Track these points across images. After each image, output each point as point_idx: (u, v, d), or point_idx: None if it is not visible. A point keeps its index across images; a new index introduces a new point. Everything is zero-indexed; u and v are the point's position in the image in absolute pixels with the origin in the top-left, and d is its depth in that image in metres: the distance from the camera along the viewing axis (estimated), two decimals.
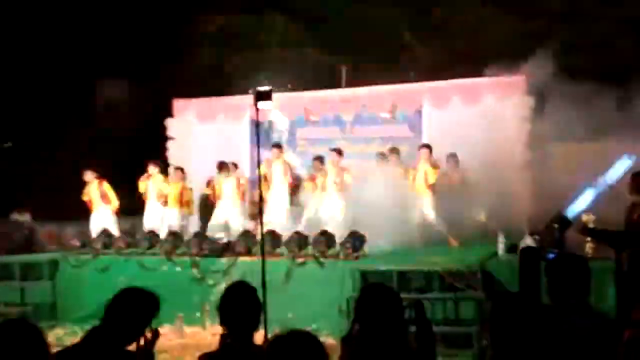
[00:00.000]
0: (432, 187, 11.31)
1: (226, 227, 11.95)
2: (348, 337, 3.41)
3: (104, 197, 12.55)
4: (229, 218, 12.21)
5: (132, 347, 3.46)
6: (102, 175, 12.72)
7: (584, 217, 8.66)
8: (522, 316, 3.14)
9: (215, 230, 11.87)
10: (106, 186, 12.65)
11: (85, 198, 12.64)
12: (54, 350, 3.25)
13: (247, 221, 12.15)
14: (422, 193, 11.33)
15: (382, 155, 11.92)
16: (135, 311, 3.42)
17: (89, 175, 12.60)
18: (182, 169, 12.88)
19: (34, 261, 11.00)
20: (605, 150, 11.01)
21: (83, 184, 12.76)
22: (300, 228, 10.97)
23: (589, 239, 8.46)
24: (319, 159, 12.05)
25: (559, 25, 15.71)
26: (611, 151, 11.09)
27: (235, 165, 12.65)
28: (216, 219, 12.29)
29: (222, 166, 12.31)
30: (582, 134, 10.88)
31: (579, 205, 9.53)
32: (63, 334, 9.36)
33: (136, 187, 12.77)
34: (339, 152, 11.91)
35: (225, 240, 10.65)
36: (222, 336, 3.40)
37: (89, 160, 13.16)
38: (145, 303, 3.50)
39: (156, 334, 3.52)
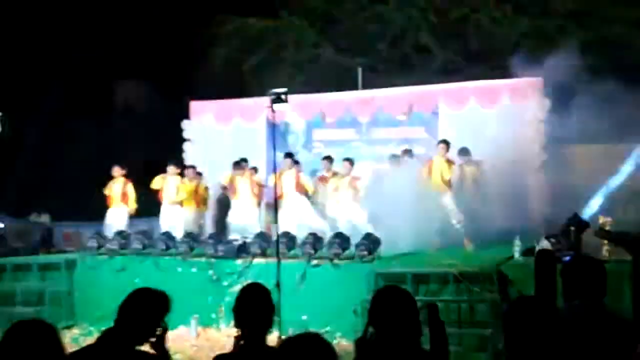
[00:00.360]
0: (449, 183, 11.24)
1: (243, 229, 11.94)
2: (362, 339, 3.41)
3: (124, 196, 12.60)
4: (246, 219, 12.20)
5: (145, 347, 3.48)
6: (128, 175, 12.76)
7: (601, 220, 8.60)
8: (538, 319, 3.12)
9: (234, 231, 11.89)
10: (130, 187, 12.70)
11: (106, 192, 12.67)
12: (70, 350, 3.28)
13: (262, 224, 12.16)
14: (439, 189, 11.22)
15: (394, 157, 11.90)
16: (146, 311, 3.45)
17: (117, 171, 12.65)
18: (194, 167, 12.93)
19: (52, 262, 11.10)
20: (622, 152, 10.96)
21: (101, 182, 12.81)
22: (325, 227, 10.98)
23: (605, 241, 8.40)
24: (328, 158, 12.04)
25: (575, 25, 15.61)
26: (628, 153, 11.05)
27: (255, 170, 12.63)
28: (234, 219, 12.29)
29: (237, 164, 12.29)
30: (599, 135, 10.82)
31: (593, 207, 9.49)
32: (79, 334, 9.45)
33: (153, 189, 12.81)
34: (351, 162, 11.83)
35: (240, 241, 10.67)
36: (237, 337, 3.41)
37: (106, 162, 13.20)
38: (156, 303, 3.52)
39: (165, 330, 3.53)
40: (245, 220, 12.14)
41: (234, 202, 12.37)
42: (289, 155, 12.17)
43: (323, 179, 12.08)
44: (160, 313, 3.50)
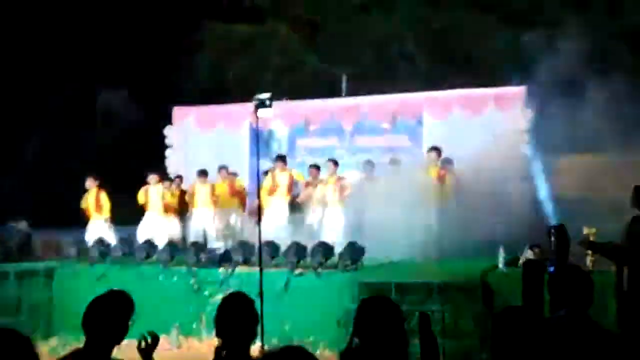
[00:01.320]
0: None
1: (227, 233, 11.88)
2: (347, 350, 3.33)
3: (97, 205, 12.49)
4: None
5: (119, 354, 3.40)
6: (102, 184, 12.65)
7: (585, 230, 8.58)
8: (526, 330, 3.07)
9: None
10: (103, 196, 12.60)
11: (83, 205, 12.57)
12: None
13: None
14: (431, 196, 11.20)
15: (368, 164, 11.91)
16: (110, 315, 3.36)
17: (89, 183, 12.54)
18: (180, 176, 12.87)
19: (30, 269, 10.90)
20: (605, 162, 10.98)
21: (83, 191, 12.70)
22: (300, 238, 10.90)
23: (590, 252, 8.38)
24: (315, 167, 12.04)
25: (559, 35, 15.67)
26: (611, 163, 11.07)
27: (235, 174, 12.57)
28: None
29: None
30: (583, 146, 10.84)
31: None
32: (58, 343, 9.28)
33: (135, 196, 12.69)
34: (335, 162, 11.81)
35: (222, 250, 10.56)
36: (218, 348, 3.32)
37: (88, 168, 13.07)
38: (118, 304, 3.43)
39: (156, 340, 3.46)
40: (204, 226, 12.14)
41: (193, 210, 12.35)
42: (281, 157, 12.16)
43: (309, 185, 12.03)
44: (124, 314, 3.41)
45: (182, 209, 12.86)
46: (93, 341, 3.30)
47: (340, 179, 11.64)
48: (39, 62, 19.71)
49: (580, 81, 10.50)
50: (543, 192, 10.74)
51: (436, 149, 11.36)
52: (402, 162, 12.01)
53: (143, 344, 3.42)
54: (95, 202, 12.52)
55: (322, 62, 19.17)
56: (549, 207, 10.20)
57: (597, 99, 10.12)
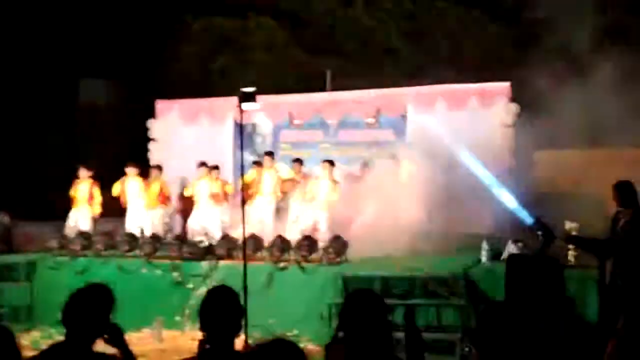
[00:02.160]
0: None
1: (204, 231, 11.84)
2: (332, 344, 3.33)
3: (90, 198, 12.34)
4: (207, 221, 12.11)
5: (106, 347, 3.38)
6: (96, 177, 12.52)
7: (567, 225, 8.65)
8: (509, 325, 3.08)
9: (195, 233, 11.77)
10: (96, 189, 12.45)
11: (72, 193, 12.41)
12: (30, 354, 3.16)
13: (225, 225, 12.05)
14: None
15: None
16: (90, 309, 3.33)
17: (83, 173, 12.38)
18: (159, 167, 12.76)
19: (11, 262, 10.83)
20: (591, 157, 11.05)
21: (64, 181, 12.55)
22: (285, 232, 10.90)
23: (572, 246, 8.45)
24: (298, 161, 12.07)
25: (545, 31, 15.72)
26: (595, 158, 11.15)
27: (217, 168, 12.48)
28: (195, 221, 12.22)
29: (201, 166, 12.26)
30: (566, 142, 10.90)
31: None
32: (40, 336, 9.21)
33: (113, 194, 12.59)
34: (332, 163, 11.80)
35: (206, 243, 10.53)
36: (201, 341, 3.30)
37: (70, 161, 12.95)
38: (98, 298, 3.40)
39: (116, 330, 3.41)
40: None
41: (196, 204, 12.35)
42: (269, 153, 12.14)
43: (292, 181, 12.04)
44: (104, 307, 3.38)
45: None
46: (73, 335, 3.27)
47: (335, 182, 11.61)
48: (19, 52, 19.50)
49: (566, 76, 10.56)
50: (526, 187, 10.78)
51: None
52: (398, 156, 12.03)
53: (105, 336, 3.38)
54: (89, 194, 12.36)
55: (306, 56, 19.12)
56: (530, 202, 10.24)
57: (580, 95, 10.18)
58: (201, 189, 12.26)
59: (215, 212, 12.18)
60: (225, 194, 12.38)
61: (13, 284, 10.48)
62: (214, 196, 12.18)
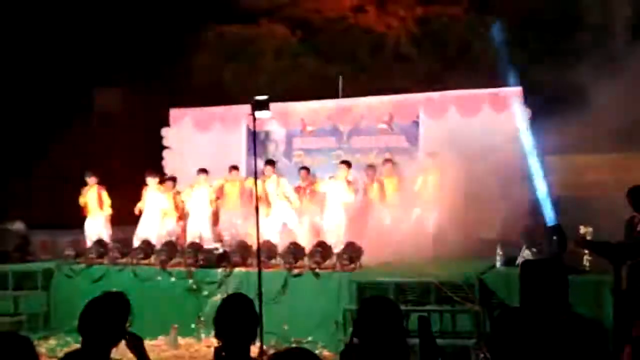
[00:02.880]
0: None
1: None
2: (347, 351, 3.35)
3: (99, 202, 12.42)
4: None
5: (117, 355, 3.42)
6: (101, 182, 12.59)
7: (582, 230, 8.61)
8: (525, 331, 3.09)
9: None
10: (104, 192, 12.53)
11: (81, 201, 12.49)
12: None
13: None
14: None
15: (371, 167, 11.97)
16: (106, 317, 3.37)
17: (90, 178, 12.46)
18: (174, 178, 12.84)
19: (28, 270, 10.92)
20: (603, 162, 11.01)
21: (79, 190, 12.63)
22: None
23: (586, 251, 8.41)
24: (305, 169, 12.13)
25: (553, 35, 15.69)
26: (610, 163, 11.10)
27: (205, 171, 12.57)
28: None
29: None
30: (580, 147, 10.85)
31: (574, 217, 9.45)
32: (56, 344, 9.28)
33: (132, 197, 12.64)
34: (349, 164, 11.86)
35: (220, 250, 10.57)
36: (217, 349, 3.33)
37: (85, 170, 13.01)
38: (114, 307, 3.44)
39: (136, 338, 3.45)
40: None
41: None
42: (269, 162, 12.16)
43: (299, 190, 12.07)
44: (120, 315, 3.42)
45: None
46: (90, 343, 3.31)
47: (349, 183, 11.67)
48: (35, 62, 19.67)
49: (579, 81, 10.52)
50: (540, 192, 10.77)
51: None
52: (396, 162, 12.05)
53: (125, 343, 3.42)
54: (98, 198, 12.44)
55: (317, 63, 19.15)
56: (546, 207, 10.23)
57: (596, 99, 10.14)
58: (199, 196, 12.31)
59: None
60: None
61: (30, 292, 10.56)
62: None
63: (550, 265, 3.66)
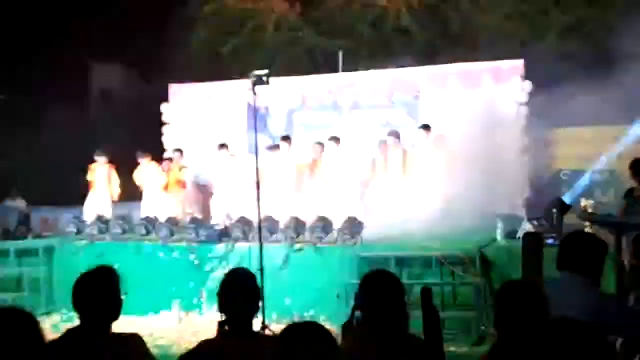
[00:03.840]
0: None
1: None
2: (349, 324, 3.36)
3: (109, 181, 12.42)
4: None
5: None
6: (112, 160, 12.59)
7: (583, 203, 8.63)
8: (528, 303, 3.10)
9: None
10: (114, 172, 12.55)
11: (89, 177, 12.49)
12: (50, 337, 3.20)
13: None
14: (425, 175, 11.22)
15: (383, 142, 11.88)
16: (96, 292, 3.37)
17: (100, 157, 12.42)
18: (180, 150, 12.87)
19: (30, 247, 10.94)
20: (604, 135, 10.98)
21: (83, 168, 12.62)
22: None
23: (588, 224, 8.43)
24: (320, 144, 12.01)
25: (557, 7, 15.55)
26: (609, 136, 11.07)
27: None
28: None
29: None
30: (581, 119, 10.83)
31: (576, 190, 9.50)
32: (59, 320, 9.35)
33: (131, 173, 12.66)
34: (338, 140, 11.80)
35: (222, 226, 10.59)
36: (221, 323, 3.34)
37: (84, 147, 13.00)
38: (104, 280, 3.44)
39: None
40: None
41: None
42: (286, 138, 12.09)
43: (314, 163, 12.01)
44: (112, 288, 3.42)
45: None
46: (87, 319, 3.32)
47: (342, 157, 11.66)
48: (33, 39, 19.58)
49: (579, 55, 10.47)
50: (541, 165, 10.77)
51: (425, 127, 11.36)
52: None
53: None
54: (107, 177, 12.45)
55: (318, 38, 19.02)
56: (548, 180, 10.24)
57: (596, 72, 10.10)
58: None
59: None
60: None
61: (32, 269, 10.60)
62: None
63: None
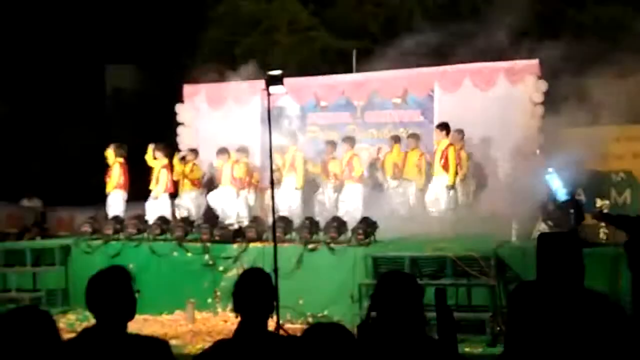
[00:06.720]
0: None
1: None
2: (364, 324, 3.35)
3: (124, 179, 12.33)
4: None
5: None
6: (126, 158, 12.55)
7: (599, 203, 8.57)
8: (541, 304, 3.08)
9: None
10: (125, 170, 12.48)
11: (107, 178, 12.42)
12: (66, 336, 3.21)
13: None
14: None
15: (395, 139, 11.89)
16: (108, 292, 3.36)
17: (111, 155, 12.32)
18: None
19: (46, 247, 11.02)
20: (620, 134, 10.90)
21: (97, 168, 12.58)
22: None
23: (603, 224, 8.38)
24: (332, 143, 12.03)
25: (572, 7, 15.47)
26: (626, 135, 10.99)
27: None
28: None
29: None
30: (594, 119, 10.76)
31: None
32: (75, 319, 9.41)
33: (146, 172, 12.63)
34: (352, 140, 11.84)
35: (236, 226, 10.61)
36: (240, 323, 3.34)
37: (99, 147, 13.02)
38: (115, 280, 3.43)
39: None
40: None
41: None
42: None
43: (327, 164, 12.05)
44: (123, 288, 3.41)
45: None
46: (101, 319, 3.32)
47: (354, 155, 11.67)
48: (48, 40, 19.71)
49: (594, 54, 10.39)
50: (556, 165, 10.69)
51: (441, 126, 11.29)
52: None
53: None
54: (121, 175, 12.33)
55: (331, 38, 19.01)
56: (562, 180, 10.17)
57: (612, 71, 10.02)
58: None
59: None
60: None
61: (48, 268, 10.67)
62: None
63: (567, 238, 3.60)
